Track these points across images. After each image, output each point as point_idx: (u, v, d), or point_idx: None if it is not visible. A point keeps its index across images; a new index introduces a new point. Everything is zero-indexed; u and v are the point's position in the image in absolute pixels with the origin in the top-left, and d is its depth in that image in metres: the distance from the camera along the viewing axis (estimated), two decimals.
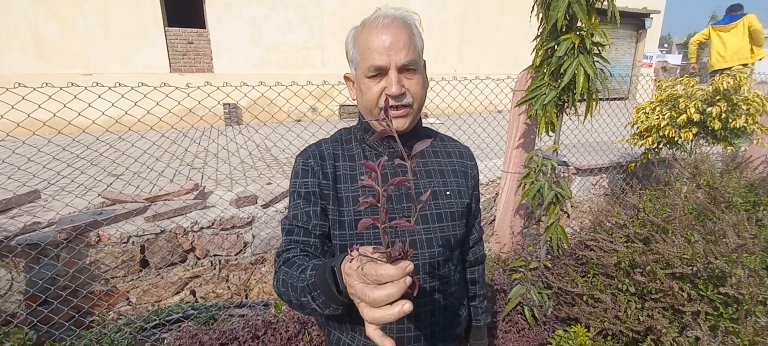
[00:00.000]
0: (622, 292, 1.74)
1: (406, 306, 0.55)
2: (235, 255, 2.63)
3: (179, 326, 2.28)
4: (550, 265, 2.22)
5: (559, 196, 2.00)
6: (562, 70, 1.67)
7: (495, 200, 3.37)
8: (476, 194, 1.08)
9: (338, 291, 0.66)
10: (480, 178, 3.33)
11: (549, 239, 2.10)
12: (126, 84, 2.13)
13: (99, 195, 2.71)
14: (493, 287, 2.39)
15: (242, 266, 2.68)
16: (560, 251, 2.12)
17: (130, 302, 2.45)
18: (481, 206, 3.21)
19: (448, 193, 0.97)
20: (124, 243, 2.31)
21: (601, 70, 1.75)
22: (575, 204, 3.63)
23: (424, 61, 0.94)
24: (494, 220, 3.38)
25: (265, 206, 2.61)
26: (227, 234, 2.55)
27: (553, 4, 1.58)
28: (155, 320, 2.18)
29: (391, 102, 0.84)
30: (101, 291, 2.31)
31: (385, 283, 0.55)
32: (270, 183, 2.91)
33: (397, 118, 0.87)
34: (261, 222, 2.61)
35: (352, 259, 0.61)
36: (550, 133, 1.99)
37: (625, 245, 1.82)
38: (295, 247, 0.87)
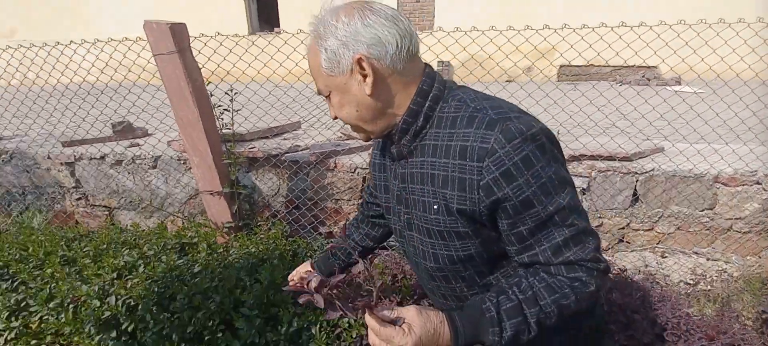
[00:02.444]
0: None
1: None
2: None
3: (381, 252, 2.59)
4: None
5: None
6: None
7: None
8: (504, 206, 0.73)
9: None
10: (761, 167, 2.39)
11: None
12: None
13: (339, 130, 3.26)
14: (764, 315, 1.73)
15: None
16: None
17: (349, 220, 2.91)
18: (757, 206, 2.30)
19: (435, 207, 0.80)
20: (351, 173, 2.72)
21: None
22: None
23: (345, 67, 0.77)
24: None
25: None
26: None
27: None
28: None
29: None
30: (331, 208, 2.82)
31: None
32: None
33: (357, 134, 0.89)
34: None
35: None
36: None
37: None
38: (366, 197, 1.21)
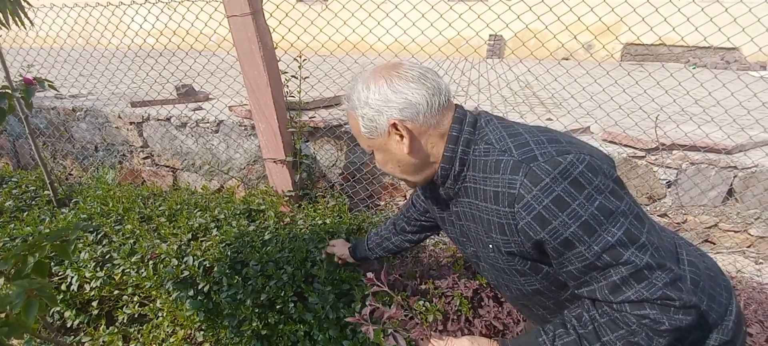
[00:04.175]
0: None
1: None
2: None
3: (440, 233, 2.53)
4: None
5: None
6: None
7: None
8: (547, 247, 0.71)
9: None
10: None
11: None
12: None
13: None
14: None
15: None
16: None
17: (405, 199, 2.86)
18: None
19: (490, 246, 0.83)
20: None
21: None
22: None
23: (382, 130, 0.83)
24: None
25: None
26: None
27: None
28: None
29: None
30: (389, 183, 2.77)
31: None
32: (550, 119, 2.68)
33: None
34: None
35: None
36: None
37: None
38: (411, 204, 1.30)
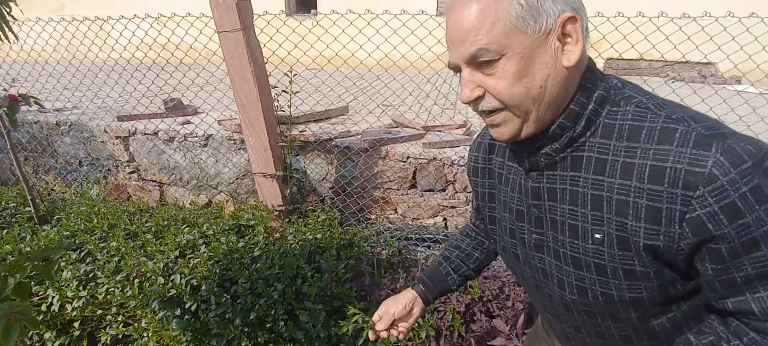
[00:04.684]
0: None
1: None
2: None
3: (433, 246, 2.53)
4: None
5: None
6: None
7: None
8: (718, 247, 0.55)
9: None
10: None
11: None
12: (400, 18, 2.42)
13: (391, 118, 3.18)
14: None
15: None
16: None
17: (396, 212, 2.85)
18: None
19: (597, 236, 0.63)
20: (402, 162, 2.65)
21: None
22: None
23: (546, 25, 0.57)
24: None
25: None
26: None
27: None
28: (418, 234, 2.46)
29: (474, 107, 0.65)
30: (380, 197, 2.77)
31: None
32: None
33: (492, 127, 0.66)
34: None
35: None
36: None
37: None
38: (472, 221, 1.05)
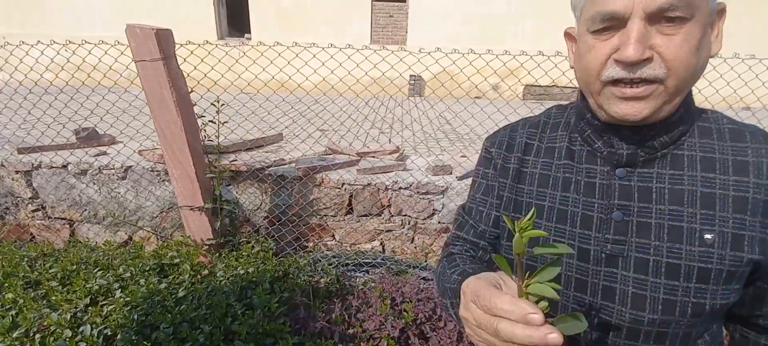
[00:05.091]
0: None
1: None
2: (424, 219, 2.74)
3: (371, 271, 2.55)
4: None
5: None
6: None
7: None
8: None
9: None
10: None
11: None
12: (336, 46, 2.49)
13: (325, 145, 3.19)
14: None
15: (428, 230, 2.78)
16: None
17: (334, 239, 2.84)
18: None
19: (707, 237, 0.58)
20: (338, 188, 2.66)
21: None
22: None
23: (721, 6, 0.55)
24: None
25: (460, 178, 2.61)
26: (420, 198, 2.66)
27: None
28: (355, 260, 2.47)
29: (623, 73, 0.53)
30: (317, 224, 2.75)
31: (499, 317, 0.44)
32: (464, 156, 2.89)
33: (631, 101, 0.54)
34: (453, 193, 2.63)
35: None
36: None
37: None
38: (462, 244, 0.75)
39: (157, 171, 2.68)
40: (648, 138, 0.59)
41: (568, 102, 0.74)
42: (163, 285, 1.70)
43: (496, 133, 0.76)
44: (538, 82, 3.47)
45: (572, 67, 0.64)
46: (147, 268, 1.82)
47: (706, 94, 2.71)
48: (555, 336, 0.41)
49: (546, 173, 0.68)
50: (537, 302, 0.44)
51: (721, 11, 0.56)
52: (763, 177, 0.57)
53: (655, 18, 0.51)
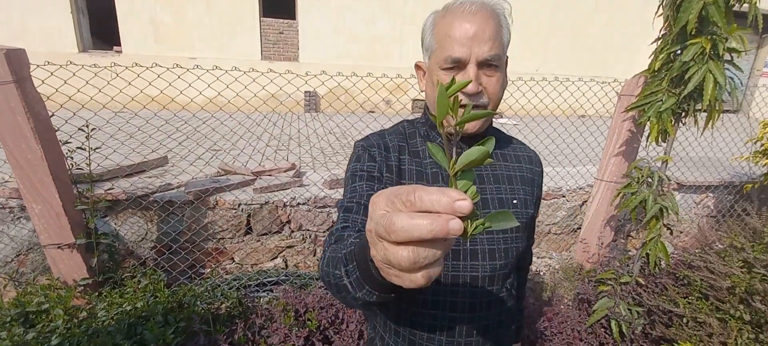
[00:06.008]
0: (734, 318, 1.62)
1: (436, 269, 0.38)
2: (324, 232, 2.84)
3: (274, 289, 2.55)
4: (643, 281, 2.11)
5: (663, 210, 1.89)
6: (686, 77, 1.58)
7: (581, 208, 3.24)
8: (538, 202, 0.99)
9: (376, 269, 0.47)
10: (564, 184, 3.21)
11: (646, 254, 2.00)
12: (222, 69, 2.47)
13: (218, 167, 3.07)
14: (578, 296, 2.33)
15: None
16: (657, 269, 2.01)
17: (234, 261, 2.76)
18: (564, 213, 3.09)
19: (514, 202, 0.88)
20: (234, 209, 2.61)
21: (731, 79, 1.63)
22: (674, 223, 3.36)
23: (507, 58, 0.85)
24: (579, 228, 3.26)
25: (331, 186, 2.78)
26: (319, 212, 2.76)
27: (684, 5, 1.50)
28: (257, 279, 2.45)
29: (464, 100, 0.76)
30: (214, 248, 2.64)
31: (421, 212, 0.35)
32: None
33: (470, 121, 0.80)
34: None
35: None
36: (661, 142, 1.89)
37: (742, 269, 1.69)
38: (352, 226, 0.74)
39: (10, 207, 2.31)
40: (476, 143, 0.93)
41: (413, 117, 1.01)
42: (30, 335, 1.50)
43: (369, 137, 0.90)
44: (420, 95, 3.87)
45: (422, 91, 0.90)
46: (7, 319, 1.59)
47: (551, 108, 3.35)
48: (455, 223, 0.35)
49: (419, 169, 0.86)
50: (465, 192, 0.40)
51: (507, 60, 0.86)
52: (529, 163, 0.94)
53: (482, 65, 0.77)
